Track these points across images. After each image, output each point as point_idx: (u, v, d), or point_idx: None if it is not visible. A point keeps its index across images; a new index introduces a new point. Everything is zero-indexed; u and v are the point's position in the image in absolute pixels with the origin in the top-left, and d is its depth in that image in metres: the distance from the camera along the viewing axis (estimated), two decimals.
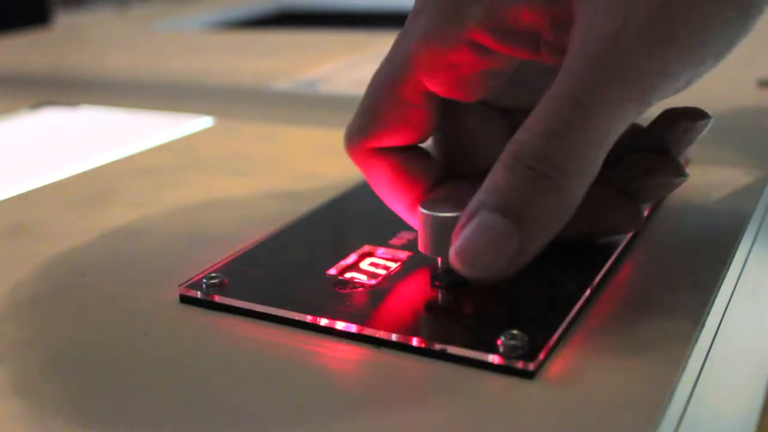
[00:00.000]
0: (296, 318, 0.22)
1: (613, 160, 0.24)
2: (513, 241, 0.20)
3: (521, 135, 0.20)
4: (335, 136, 0.41)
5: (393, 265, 0.25)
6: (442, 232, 0.22)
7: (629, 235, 0.26)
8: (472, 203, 0.21)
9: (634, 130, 0.26)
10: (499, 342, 0.20)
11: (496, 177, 0.20)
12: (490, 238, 0.20)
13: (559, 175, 0.20)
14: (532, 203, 0.20)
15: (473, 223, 0.20)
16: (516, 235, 0.20)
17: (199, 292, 0.24)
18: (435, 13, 0.23)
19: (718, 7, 0.20)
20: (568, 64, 0.20)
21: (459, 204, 0.23)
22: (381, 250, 0.26)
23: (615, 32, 0.19)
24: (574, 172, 0.20)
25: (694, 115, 0.25)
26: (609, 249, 0.25)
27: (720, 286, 0.23)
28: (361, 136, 0.24)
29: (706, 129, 0.25)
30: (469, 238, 0.20)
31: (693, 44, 0.20)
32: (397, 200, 0.25)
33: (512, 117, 0.25)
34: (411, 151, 0.25)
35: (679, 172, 0.25)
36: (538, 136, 0.20)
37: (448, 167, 0.26)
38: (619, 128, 0.20)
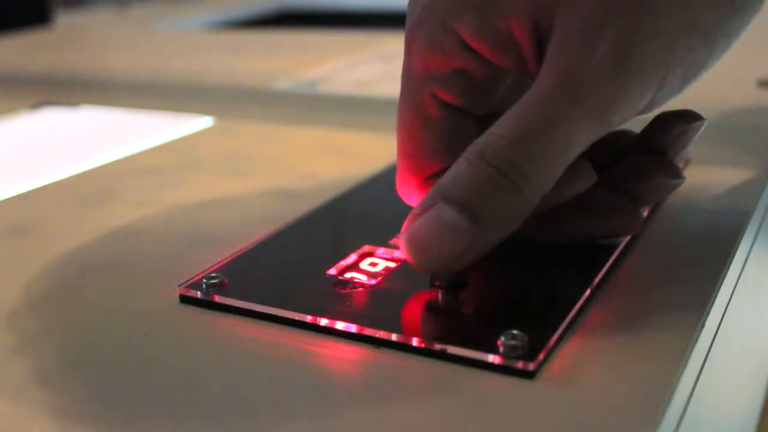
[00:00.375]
0: (296, 318, 0.22)
1: (610, 163, 0.24)
2: (465, 237, 0.20)
3: (488, 137, 0.21)
4: (335, 136, 0.41)
5: (393, 265, 0.25)
6: None
7: (629, 236, 0.26)
8: (430, 193, 0.21)
9: (629, 136, 0.26)
10: (499, 342, 0.20)
11: (457, 172, 0.21)
12: (444, 230, 0.20)
13: (520, 178, 0.20)
14: (491, 202, 0.20)
15: (429, 214, 0.21)
16: (469, 231, 0.20)
17: (199, 292, 0.24)
18: (431, 25, 0.23)
19: (684, 37, 0.21)
20: (541, 77, 0.21)
21: None
22: (381, 250, 0.26)
23: (584, 55, 0.20)
24: (534, 178, 0.21)
25: (688, 118, 0.25)
26: (609, 249, 0.25)
27: (720, 286, 0.23)
28: (410, 172, 0.24)
29: (701, 131, 0.25)
30: (423, 227, 0.21)
31: (655, 71, 0.21)
32: None
33: (481, 120, 0.25)
34: None
35: (676, 174, 0.25)
36: (505, 140, 0.21)
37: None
38: (582, 143, 0.21)
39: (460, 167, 0.21)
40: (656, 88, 0.21)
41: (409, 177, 0.24)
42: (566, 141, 0.21)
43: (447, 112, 0.24)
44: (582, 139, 0.21)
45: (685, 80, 0.22)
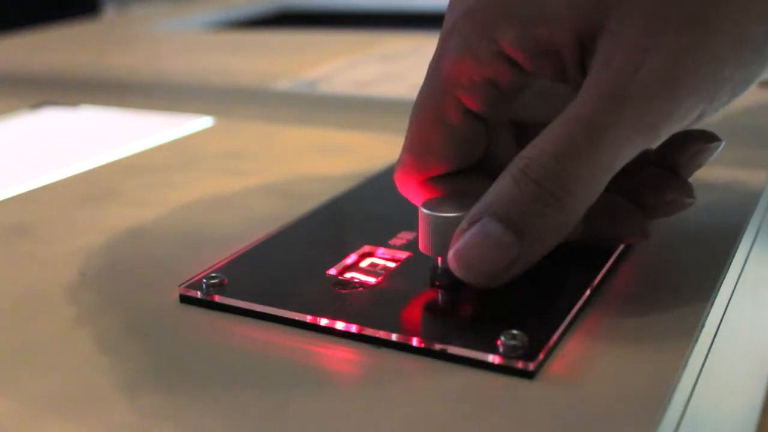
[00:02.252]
0: (296, 318, 0.22)
1: (625, 171, 0.24)
2: (511, 251, 0.21)
3: (532, 151, 0.21)
4: (335, 136, 0.41)
5: (393, 265, 0.25)
6: (442, 232, 0.22)
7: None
8: (476, 208, 0.21)
9: (645, 150, 0.25)
10: (499, 342, 0.20)
11: (502, 187, 0.21)
12: (490, 245, 0.21)
13: (564, 194, 0.21)
14: (535, 218, 0.21)
15: (475, 229, 0.21)
16: (515, 246, 0.21)
17: (199, 292, 0.24)
18: (469, 31, 0.23)
19: (734, 52, 0.20)
20: (585, 91, 0.21)
21: (459, 204, 0.23)
22: (381, 250, 0.26)
23: (632, 71, 0.20)
24: (578, 194, 0.21)
25: (706, 138, 0.25)
26: (609, 249, 0.25)
27: (720, 286, 0.23)
28: (413, 168, 0.24)
29: (717, 152, 0.25)
30: (470, 242, 0.21)
31: (705, 88, 0.20)
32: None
33: (518, 129, 0.26)
34: (464, 176, 0.25)
35: (690, 194, 0.25)
36: (549, 156, 0.21)
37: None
38: (626, 158, 0.21)
39: (505, 182, 0.21)
40: (705, 104, 0.21)
41: (411, 173, 0.24)
42: (611, 157, 0.21)
43: (466, 118, 0.24)
44: (627, 154, 0.21)
45: (734, 94, 0.21)
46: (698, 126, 0.23)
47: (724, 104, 0.22)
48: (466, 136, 0.24)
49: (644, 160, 0.25)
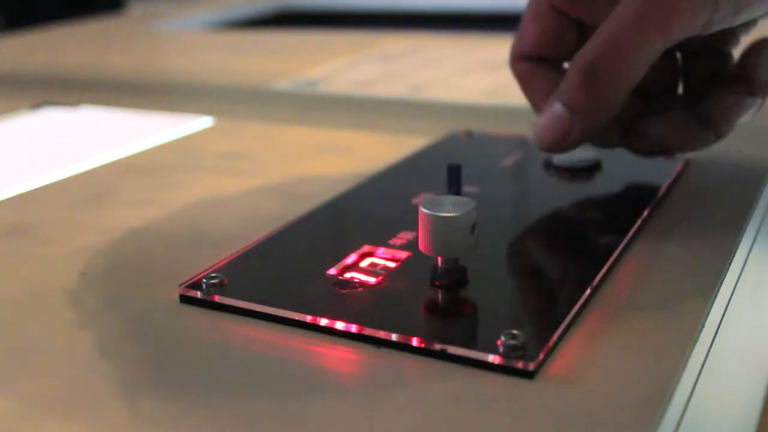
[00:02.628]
0: (296, 318, 0.22)
1: (704, 80, 0.31)
2: (566, 124, 0.28)
3: (584, 48, 0.27)
4: (335, 136, 0.41)
5: (393, 265, 0.25)
6: (442, 232, 0.22)
7: (630, 234, 0.26)
8: (552, 97, 0.28)
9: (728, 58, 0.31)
10: (499, 342, 0.20)
11: (565, 77, 0.28)
12: (552, 120, 0.28)
13: (600, 80, 0.27)
14: (579, 99, 0.27)
15: (546, 111, 0.28)
16: (567, 119, 0.28)
17: (199, 292, 0.24)
18: None
19: None
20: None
21: (459, 204, 0.23)
22: (381, 250, 0.26)
23: None
24: (612, 78, 0.27)
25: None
26: (609, 249, 0.25)
27: (720, 286, 0.23)
28: (515, 48, 0.32)
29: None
30: (541, 120, 0.29)
31: None
32: (533, 101, 0.32)
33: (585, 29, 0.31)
34: (555, 65, 0.31)
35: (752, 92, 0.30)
36: (589, 50, 0.27)
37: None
38: (650, 53, 0.26)
39: (568, 73, 0.28)
40: (711, 9, 0.25)
41: (513, 51, 0.32)
42: (634, 49, 0.26)
43: (554, 13, 0.30)
44: (649, 50, 0.26)
45: (738, 7, 0.25)
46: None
47: (730, 15, 0.26)
48: (553, 28, 0.31)
49: (722, 70, 0.31)
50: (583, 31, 0.31)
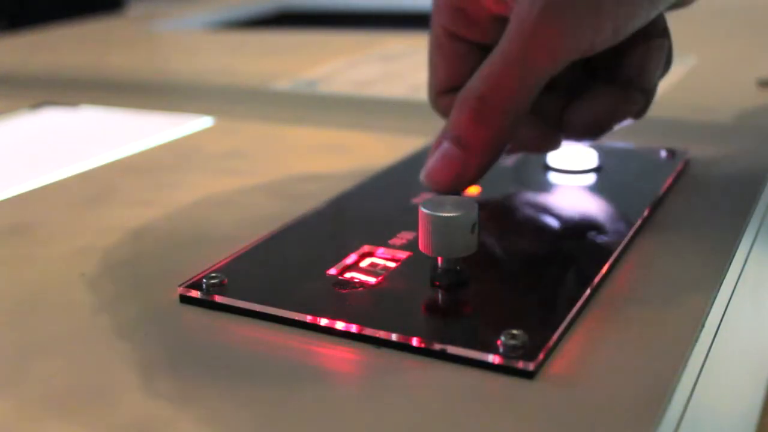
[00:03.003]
0: (296, 318, 0.22)
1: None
2: (457, 163, 0.27)
3: (470, 81, 0.26)
4: (335, 136, 0.41)
5: (393, 265, 0.25)
6: (442, 232, 0.22)
7: (630, 234, 0.26)
8: (440, 134, 0.27)
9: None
10: (499, 342, 0.20)
11: (452, 113, 0.27)
12: (444, 160, 0.27)
13: (491, 111, 0.26)
14: (470, 134, 0.26)
15: (437, 150, 0.27)
16: (459, 159, 0.26)
17: (199, 292, 0.24)
18: None
19: None
20: (509, 25, 0.26)
21: (459, 204, 0.23)
22: (381, 250, 0.26)
23: (530, 5, 0.25)
24: (504, 108, 0.26)
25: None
26: (609, 249, 0.25)
27: (720, 286, 0.23)
28: (429, 85, 0.31)
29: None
30: (431, 162, 0.27)
31: (588, 21, 0.25)
32: None
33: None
34: None
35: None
36: (478, 80, 0.26)
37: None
38: (540, 79, 0.25)
39: (452, 112, 0.27)
40: (591, 36, 0.25)
41: (430, 90, 0.31)
42: (522, 77, 0.25)
43: (452, 41, 0.29)
44: (533, 82, 0.25)
45: (616, 31, 0.25)
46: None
47: (610, 39, 0.25)
48: (457, 57, 0.30)
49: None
50: (486, 51, 0.29)
